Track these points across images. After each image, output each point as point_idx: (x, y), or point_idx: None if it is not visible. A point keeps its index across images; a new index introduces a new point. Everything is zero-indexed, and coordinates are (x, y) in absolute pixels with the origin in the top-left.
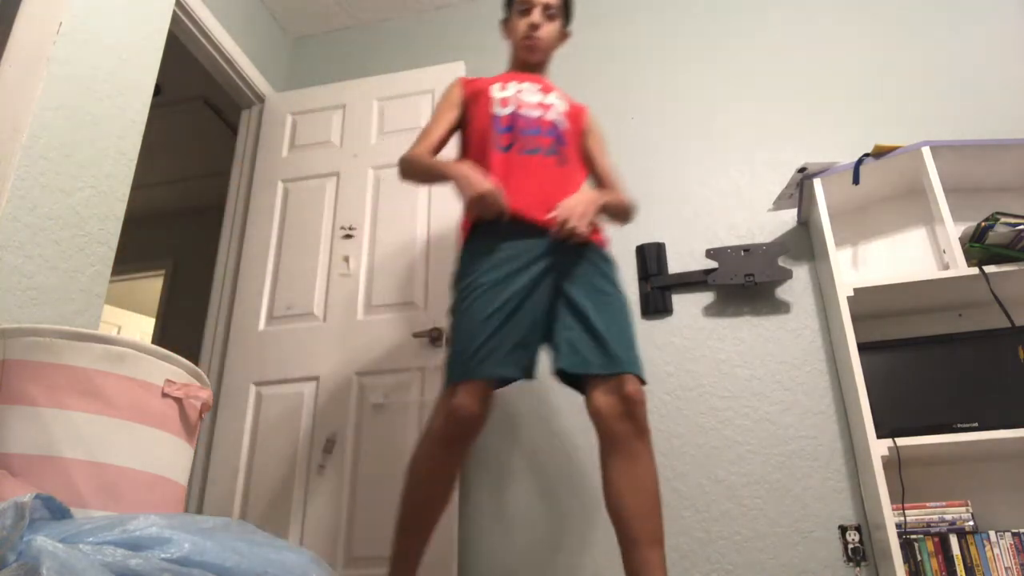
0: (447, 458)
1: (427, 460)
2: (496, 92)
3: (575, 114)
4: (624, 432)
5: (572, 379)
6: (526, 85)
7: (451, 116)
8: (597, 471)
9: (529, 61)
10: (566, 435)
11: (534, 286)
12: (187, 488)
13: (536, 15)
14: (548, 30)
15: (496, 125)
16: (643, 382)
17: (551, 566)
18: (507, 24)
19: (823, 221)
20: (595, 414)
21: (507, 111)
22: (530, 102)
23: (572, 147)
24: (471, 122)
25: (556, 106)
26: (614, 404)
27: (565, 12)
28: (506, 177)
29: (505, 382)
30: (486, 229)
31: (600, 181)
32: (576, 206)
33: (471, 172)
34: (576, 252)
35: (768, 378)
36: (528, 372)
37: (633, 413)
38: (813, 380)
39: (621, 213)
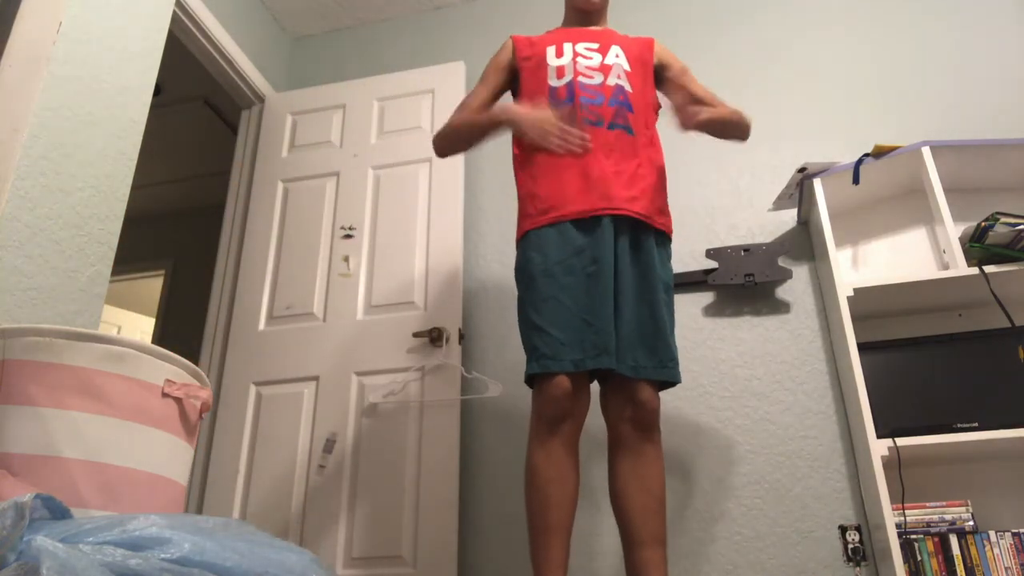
0: (557, 447)
1: (536, 455)
2: (552, 59)
3: (641, 59)
4: (631, 434)
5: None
6: (583, 47)
7: (497, 81)
8: (598, 472)
9: (586, 10)
10: None
11: (592, 272)
12: (187, 488)
13: None
14: None
15: (553, 99)
16: (668, 384)
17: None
18: None
19: (823, 221)
20: (605, 413)
21: (564, 82)
22: (590, 66)
23: (641, 110)
24: (524, 92)
25: (617, 66)
26: (625, 407)
27: None
28: (562, 159)
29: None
30: (544, 231)
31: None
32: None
33: (520, 110)
34: (635, 237)
35: (768, 378)
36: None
37: (643, 419)
38: (813, 380)
39: (733, 128)
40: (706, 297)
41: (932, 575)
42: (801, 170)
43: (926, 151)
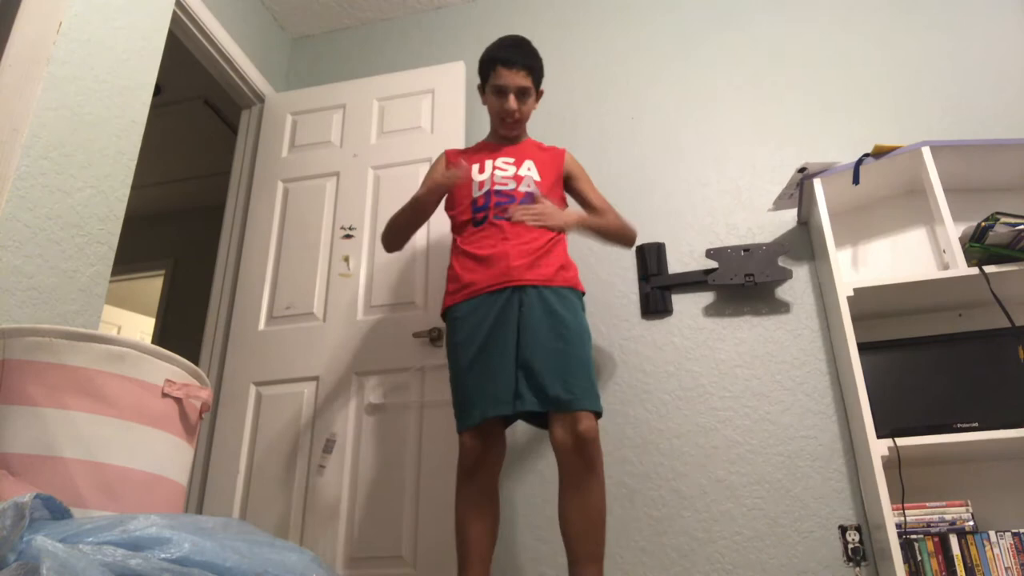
0: (472, 492)
1: (458, 498)
2: (475, 175)
3: (551, 170)
4: (575, 466)
5: (538, 415)
6: (500, 161)
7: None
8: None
9: (509, 136)
10: None
11: (492, 335)
12: (187, 488)
13: (512, 101)
14: (524, 110)
15: (474, 206)
16: (598, 415)
17: (551, 567)
18: (483, 93)
19: (823, 221)
20: (554, 447)
21: (483, 192)
22: (504, 176)
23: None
24: (454, 197)
25: (528, 177)
26: (568, 440)
27: (537, 80)
28: (480, 245)
29: (507, 420)
30: (458, 306)
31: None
32: (539, 206)
33: (430, 182)
34: (535, 297)
35: (768, 378)
36: (516, 405)
37: (584, 449)
38: (813, 380)
39: (613, 235)
40: (706, 297)
41: (932, 575)
42: (801, 170)
43: (926, 151)
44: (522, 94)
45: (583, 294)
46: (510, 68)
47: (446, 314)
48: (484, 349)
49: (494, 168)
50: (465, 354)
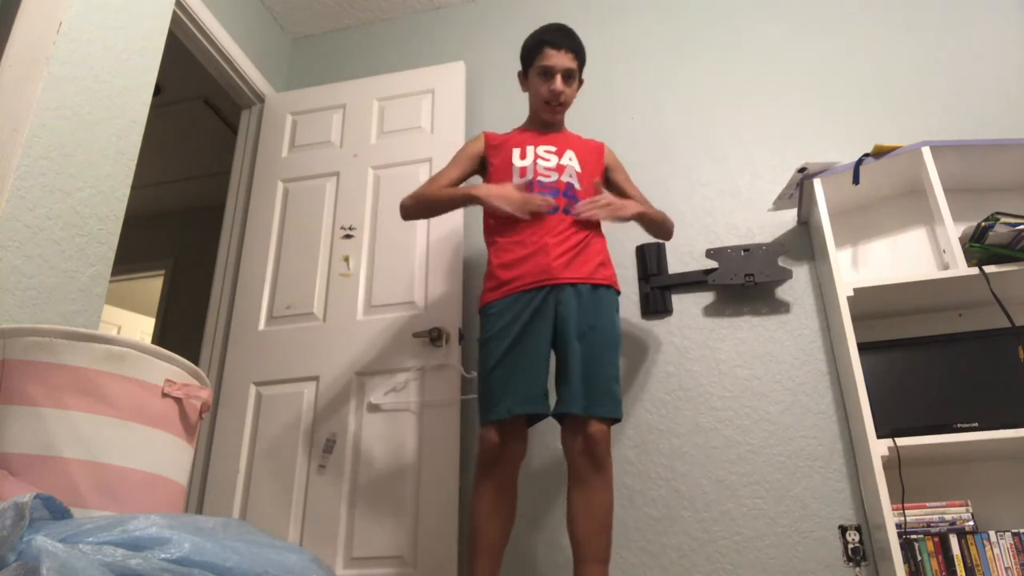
0: (489, 488)
1: (475, 492)
2: (516, 160)
3: (591, 160)
4: (584, 466)
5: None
6: (542, 150)
7: (467, 166)
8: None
9: (551, 122)
10: None
11: (525, 332)
12: (187, 488)
13: (559, 81)
14: (569, 93)
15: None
16: (615, 420)
17: (552, 567)
18: (524, 79)
19: (823, 221)
20: (564, 448)
21: (524, 181)
22: (547, 167)
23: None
24: (492, 182)
25: (570, 167)
26: (578, 441)
27: (581, 66)
28: (519, 241)
29: (530, 419)
30: (495, 303)
31: None
32: (604, 197)
33: (497, 188)
34: (572, 295)
35: (768, 378)
36: (544, 404)
37: (593, 451)
38: (813, 380)
39: (659, 227)
40: (706, 297)
41: (932, 575)
42: (801, 170)
43: (926, 151)
44: (568, 76)
45: (619, 293)
46: (558, 49)
47: (482, 310)
48: (515, 346)
49: (536, 157)
50: (496, 349)
